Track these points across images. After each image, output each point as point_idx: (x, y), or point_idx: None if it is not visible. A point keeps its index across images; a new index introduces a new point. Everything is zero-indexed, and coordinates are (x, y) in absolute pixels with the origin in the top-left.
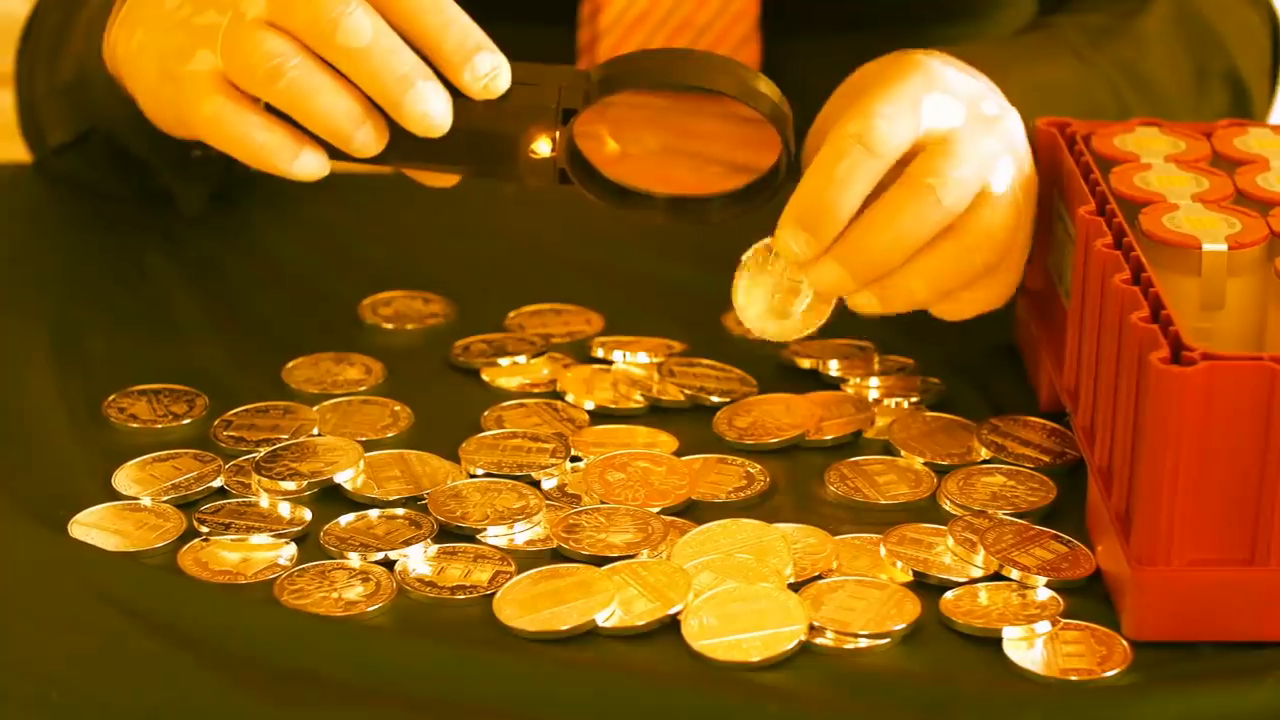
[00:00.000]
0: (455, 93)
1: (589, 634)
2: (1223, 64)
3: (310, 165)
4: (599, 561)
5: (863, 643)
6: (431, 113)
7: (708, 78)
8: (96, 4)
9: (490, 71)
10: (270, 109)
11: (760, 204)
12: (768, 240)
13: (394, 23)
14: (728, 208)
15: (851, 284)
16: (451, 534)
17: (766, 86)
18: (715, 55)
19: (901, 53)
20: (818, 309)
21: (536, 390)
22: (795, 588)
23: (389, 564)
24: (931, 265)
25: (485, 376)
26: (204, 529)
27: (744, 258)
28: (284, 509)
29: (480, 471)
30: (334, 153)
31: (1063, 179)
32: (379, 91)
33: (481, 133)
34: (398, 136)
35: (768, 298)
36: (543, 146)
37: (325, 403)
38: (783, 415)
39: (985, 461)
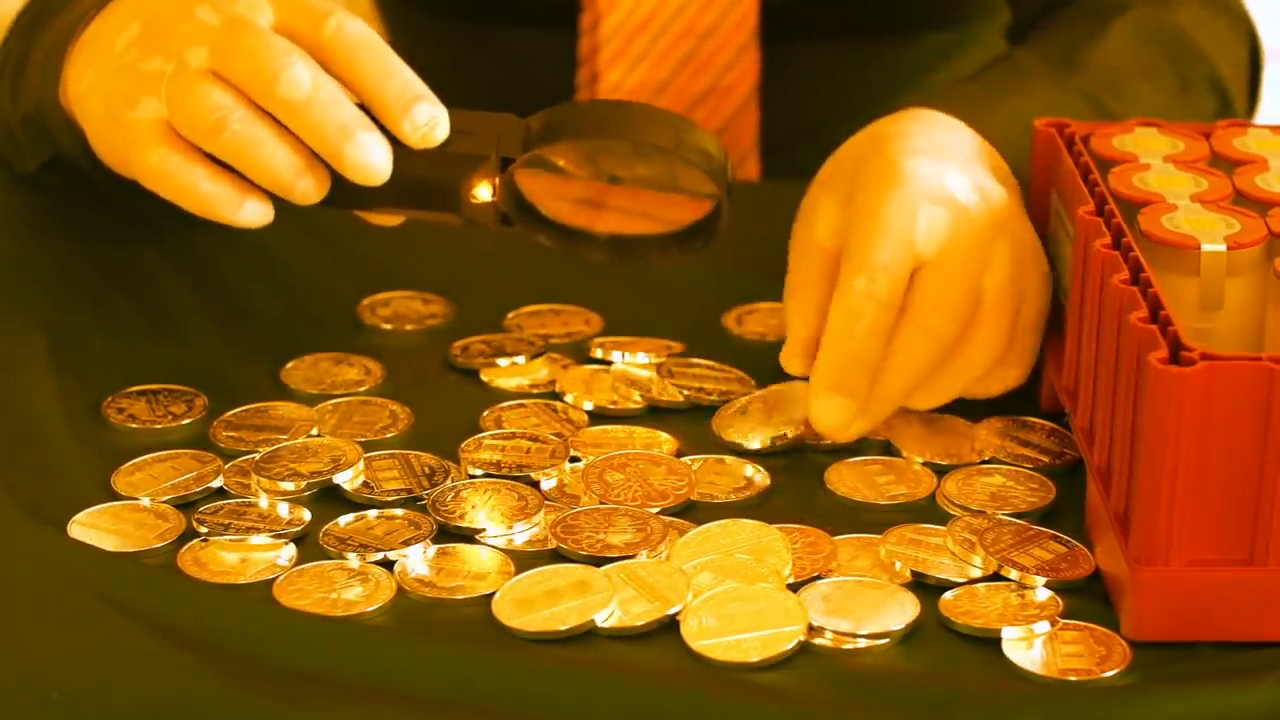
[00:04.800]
0: (395, 141)
1: (588, 634)
2: (1204, 69)
3: (254, 214)
4: (598, 562)
5: (862, 643)
6: (372, 162)
7: (645, 131)
8: (52, 40)
9: (429, 121)
10: (214, 157)
11: (697, 248)
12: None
13: (335, 74)
14: (666, 249)
15: (861, 420)
16: (451, 534)
17: (702, 138)
18: (653, 108)
19: (882, 148)
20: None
21: (535, 391)
22: (795, 588)
23: (388, 564)
24: (936, 385)
25: (484, 377)
26: (203, 529)
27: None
28: (283, 509)
29: (480, 471)
30: (278, 199)
31: (1061, 179)
32: (319, 143)
33: (422, 180)
34: (340, 184)
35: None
36: (483, 192)
37: (325, 403)
38: (784, 406)
39: (984, 462)
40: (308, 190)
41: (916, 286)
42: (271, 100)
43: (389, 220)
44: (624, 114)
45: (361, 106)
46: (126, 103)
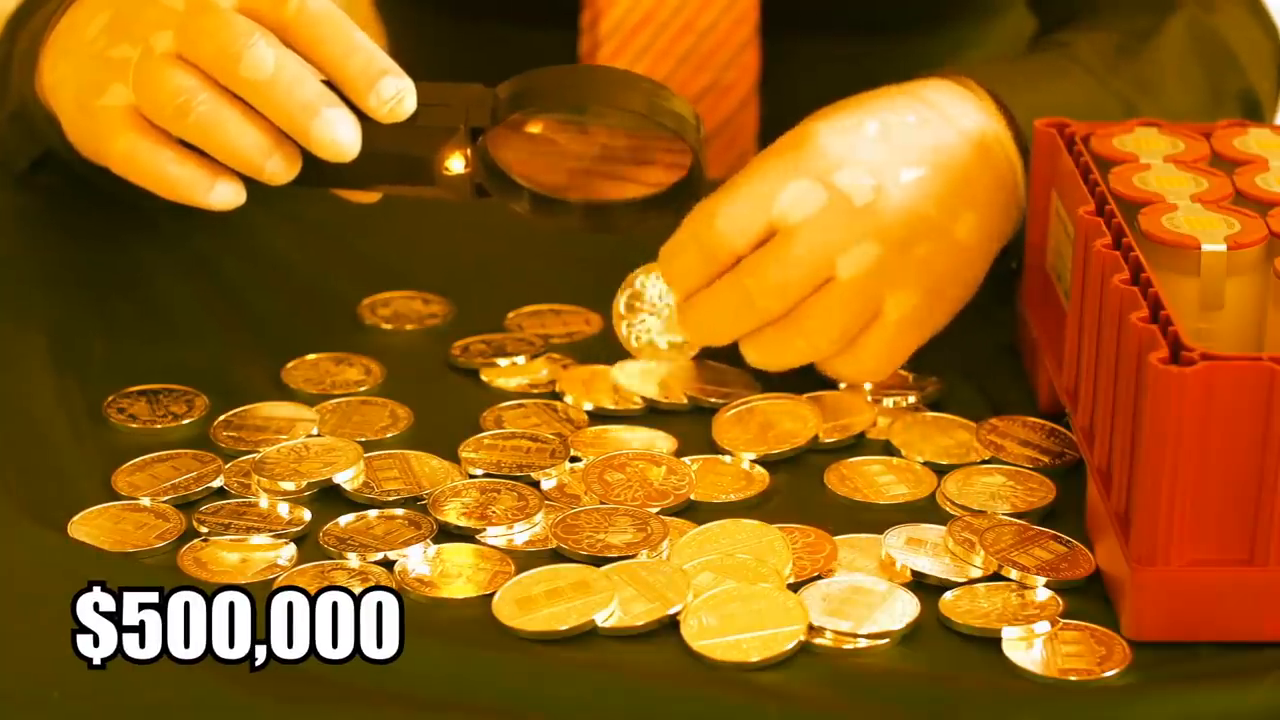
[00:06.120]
0: (364, 117)
1: (588, 634)
2: (1238, 84)
3: (226, 196)
4: (598, 562)
5: (862, 643)
6: (339, 139)
7: (615, 95)
8: (30, 36)
9: (395, 95)
10: (183, 141)
11: (672, 212)
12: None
13: (300, 52)
14: (642, 214)
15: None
16: (451, 534)
17: (675, 102)
18: (624, 72)
19: (827, 114)
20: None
21: (536, 391)
22: (795, 588)
23: (388, 564)
24: (761, 343)
25: (484, 377)
26: (203, 529)
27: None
28: (283, 509)
29: (480, 472)
30: (251, 180)
31: (1062, 179)
32: (285, 121)
33: (394, 154)
34: (312, 162)
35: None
36: (455, 164)
37: (325, 403)
38: (784, 420)
39: (985, 461)
40: (277, 169)
41: (755, 253)
42: (235, 81)
43: (366, 198)
44: (595, 79)
45: (330, 84)
46: (95, 90)
